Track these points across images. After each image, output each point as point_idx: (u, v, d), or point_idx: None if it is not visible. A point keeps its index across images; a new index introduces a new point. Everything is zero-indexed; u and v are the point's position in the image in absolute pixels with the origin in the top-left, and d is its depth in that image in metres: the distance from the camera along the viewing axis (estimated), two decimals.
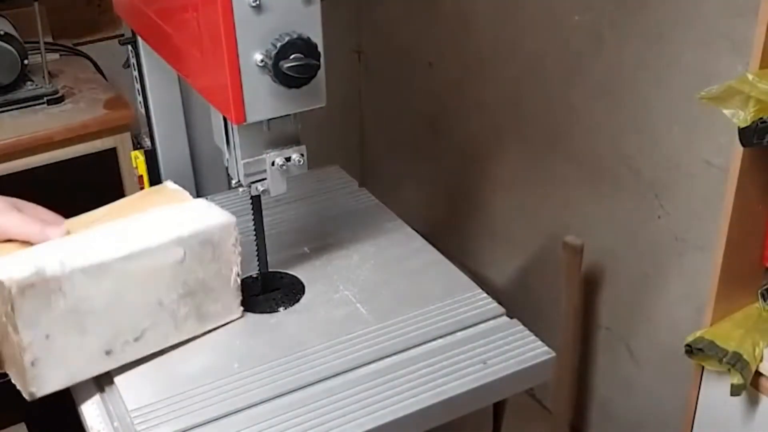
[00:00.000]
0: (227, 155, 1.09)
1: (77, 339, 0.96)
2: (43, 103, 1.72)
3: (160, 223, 1.02)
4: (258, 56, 0.94)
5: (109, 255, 0.96)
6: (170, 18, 1.09)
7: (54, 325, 0.94)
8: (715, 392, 1.38)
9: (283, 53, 0.92)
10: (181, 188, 1.12)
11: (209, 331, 1.07)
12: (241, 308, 1.10)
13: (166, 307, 1.02)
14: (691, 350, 1.35)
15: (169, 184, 1.14)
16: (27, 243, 0.98)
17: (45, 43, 1.73)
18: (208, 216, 1.05)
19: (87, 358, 0.98)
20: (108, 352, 0.99)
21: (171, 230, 1.01)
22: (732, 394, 1.31)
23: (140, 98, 1.42)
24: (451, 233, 2.22)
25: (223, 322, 1.09)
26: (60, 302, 0.93)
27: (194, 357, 1.04)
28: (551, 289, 1.82)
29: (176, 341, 1.05)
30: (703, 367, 1.38)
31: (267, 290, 1.16)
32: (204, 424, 0.95)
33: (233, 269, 1.07)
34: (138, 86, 1.40)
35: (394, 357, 1.04)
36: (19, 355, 0.93)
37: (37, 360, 0.94)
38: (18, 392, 0.97)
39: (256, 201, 1.11)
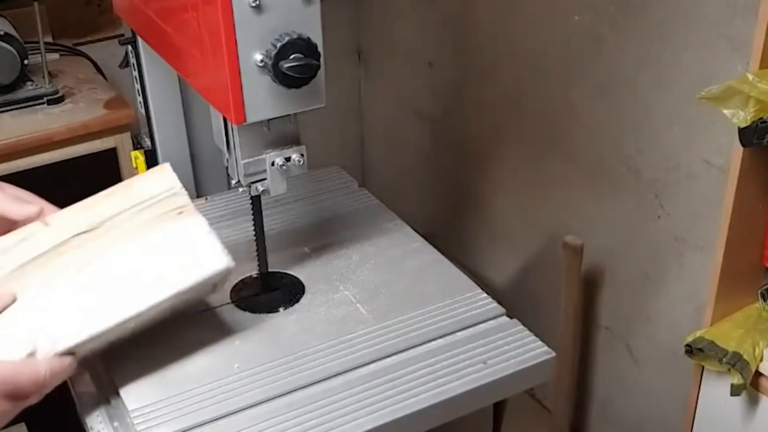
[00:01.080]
0: (227, 155, 1.09)
1: None
2: (43, 103, 1.71)
3: (152, 271, 0.96)
4: (258, 56, 0.94)
5: (99, 326, 0.93)
6: (170, 18, 1.09)
7: None
8: (715, 392, 1.38)
9: (283, 53, 0.92)
10: (174, 176, 1.02)
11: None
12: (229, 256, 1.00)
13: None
14: (691, 350, 1.35)
15: (167, 167, 1.04)
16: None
17: (45, 43, 1.73)
18: (204, 262, 0.98)
19: None
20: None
21: (163, 285, 0.95)
22: (732, 394, 1.30)
23: (140, 98, 1.42)
24: (451, 233, 2.22)
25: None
26: None
27: (194, 357, 1.04)
28: (551, 289, 1.82)
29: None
30: (703, 367, 1.38)
31: (267, 290, 1.16)
32: (204, 424, 0.95)
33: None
34: (138, 86, 1.40)
35: (394, 357, 1.04)
36: None
37: None
38: None
39: (256, 201, 1.11)
